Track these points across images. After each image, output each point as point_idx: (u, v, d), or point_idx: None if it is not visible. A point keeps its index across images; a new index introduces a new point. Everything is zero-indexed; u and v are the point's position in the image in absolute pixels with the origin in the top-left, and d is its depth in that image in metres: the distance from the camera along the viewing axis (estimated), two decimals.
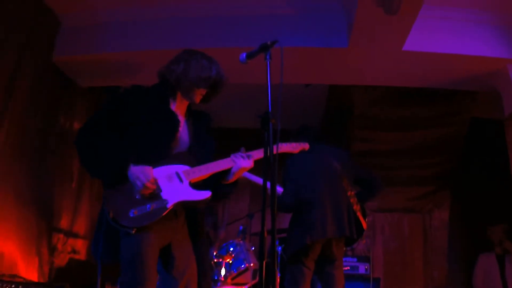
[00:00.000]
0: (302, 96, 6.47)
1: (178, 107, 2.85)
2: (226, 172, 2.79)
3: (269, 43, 2.49)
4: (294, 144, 3.04)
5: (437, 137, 6.45)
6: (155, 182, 2.54)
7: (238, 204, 7.56)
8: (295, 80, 5.79)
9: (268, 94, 2.38)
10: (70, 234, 5.70)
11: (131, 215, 2.45)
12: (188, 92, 2.80)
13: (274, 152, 2.34)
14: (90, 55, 5.41)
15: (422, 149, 6.58)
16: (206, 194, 2.64)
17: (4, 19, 4.56)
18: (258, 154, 2.84)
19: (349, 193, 4.09)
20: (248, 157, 2.78)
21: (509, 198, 5.72)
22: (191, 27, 5.18)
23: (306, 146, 3.08)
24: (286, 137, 3.10)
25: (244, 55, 2.59)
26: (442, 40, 5.00)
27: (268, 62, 2.46)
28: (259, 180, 3.79)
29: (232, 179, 2.81)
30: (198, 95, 2.83)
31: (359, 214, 4.13)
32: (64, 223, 5.63)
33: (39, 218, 5.14)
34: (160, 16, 5.26)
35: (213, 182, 2.79)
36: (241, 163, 2.73)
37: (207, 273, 3.16)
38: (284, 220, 6.67)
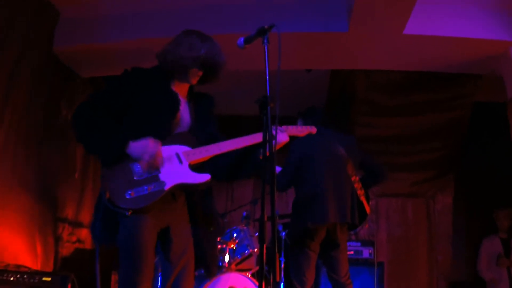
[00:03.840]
0: (303, 82, 6.45)
1: (178, 88, 2.80)
2: (252, 150, 2.74)
3: (266, 27, 2.47)
4: (300, 128, 2.98)
5: (440, 121, 6.42)
6: (160, 155, 2.51)
7: (241, 190, 7.57)
8: (296, 66, 5.77)
9: (266, 79, 2.37)
10: (75, 224, 5.74)
11: (127, 197, 2.41)
12: (181, 73, 2.75)
13: (274, 135, 2.33)
14: (90, 45, 5.41)
15: (425, 133, 6.56)
16: (205, 177, 2.60)
17: (4, 11, 4.55)
18: (292, 130, 2.85)
19: (353, 178, 4.09)
20: (281, 131, 2.75)
21: None
22: (190, 14, 5.16)
23: (313, 129, 3.02)
24: (289, 122, 3.01)
25: (242, 40, 2.57)
26: (443, 23, 4.96)
27: (266, 46, 2.45)
28: None
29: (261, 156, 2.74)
30: (193, 76, 2.77)
31: (363, 198, 4.14)
32: (68, 213, 5.67)
33: (44, 208, 5.19)
34: (159, 5, 5.24)
35: (238, 158, 2.77)
36: (281, 138, 2.69)
37: (210, 259, 3.12)
38: (287, 206, 6.73)
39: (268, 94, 2.35)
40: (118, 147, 2.48)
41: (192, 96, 2.91)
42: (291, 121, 3.19)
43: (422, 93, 6.25)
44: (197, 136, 2.74)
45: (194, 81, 2.80)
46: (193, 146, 2.66)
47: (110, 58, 5.63)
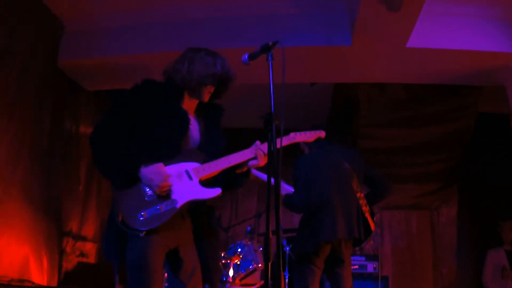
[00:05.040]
0: (307, 95, 6.47)
1: (188, 105, 2.78)
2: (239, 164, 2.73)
3: (270, 43, 2.47)
4: (308, 133, 2.95)
5: (444, 133, 6.43)
6: (168, 179, 2.50)
7: (245, 204, 7.56)
8: (300, 79, 5.79)
9: (270, 95, 2.37)
10: (78, 237, 5.73)
11: (140, 217, 2.42)
12: (195, 91, 2.75)
13: (278, 146, 2.35)
14: (95, 59, 5.45)
15: (429, 145, 6.56)
16: (216, 192, 2.59)
17: (11, 25, 4.59)
18: (301, 137, 2.87)
19: (358, 195, 4.08)
20: (265, 155, 2.72)
21: None
22: (194, 28, 5.19)
23: (322, 134, 2.99)
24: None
25: (246, 56, 2.57)
26: (446, 36, 4.97)
27: (270, 63, 2.44)
28: (264, 177, 3.76)
29: (245, 169, 2.76)
30: (206, 93, 2.77)
31: (367, 215, 4.12)
32: (72, 226, 5.66)
33: (48, 221, 5.18)
34: (163, 19, 5.27)
35: (224, 173, 2.72)
36: (262, 161, 2.68)
37: (213, 273, 3.10)
38: (292, 220, 6.71)
39: (272, 110, 2.35)
40: (130, 174, 2.49)
41: (201, 108, 2.88)
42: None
43: (425, 105, 6.26)
44: (207, 151, 2.73)
45: (206, 98, 2.81)
46: (202, 162, 2.65)
47: (114, 71, 5.66)
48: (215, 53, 2.79)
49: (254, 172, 3.79)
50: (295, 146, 4.36)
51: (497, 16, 5.04)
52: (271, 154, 2.33)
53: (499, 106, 5.74)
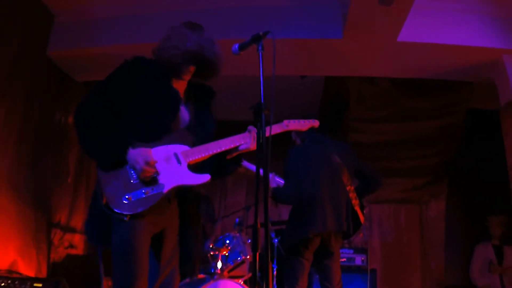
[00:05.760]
0: (298, 88, 6.46)
1: (177, 84, 2.70)
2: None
3: (261, 33, 2.47)
4: (302, 121, 2.92)
5: (434, 128, 6.45)
6: (154, 165, 2.41)
7: (234, 196, 7.56)
8: (290, 72, 5.78)
9: (260, 86, 2.36)
10: (67, 229, 5.70)
11: (125, 201, 2.33)
12: (172, 69, 2.66)
13: (268, 135, 2.31)
14: (85, 49, 5.41)
15: (419, 140, 6.58)
16: (204, 178, 2.51)
17: (1, 13, 4.54)
18: (294, 125, 2.83)
19: (348, 188, 4.09)
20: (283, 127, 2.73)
21: (506, 188, 5.72)
22: (185, 19, 5.12)
23: (316, 123, 2.96)
24: None
25: (237, 46, 2.56)
26: (437, 30, 4.99)
27: (260, 53, 2.44)
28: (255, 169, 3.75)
29: (235, 153, 2.70)
30: (186, 72, 2.69)
31: (357, 208, 4.14)
32: (61, 218, 5.63)
33: (37, 213, 5.15)
34: (153, 10, 5.24)
35: (214, 158, 2.65)
36: (253, 145, 2.61)
37: (195, 265, 3.00)
38: (280, 212, 6.73)
39: (262, 101, 2.34)
40: (117, 154, 2.40)
41: (191, 89, 2.81)
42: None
43: (416, 100, 6.27)
44: (196, 133, 2.66)
45: (186, 77, 2.72)
46: (192, 144, 2.58)
47: (105, 62, 5.56)
48: (196, 28, 2.72)
49: (245, 163, 3.80)
50: (288, 139, 4.39)
51: (488, 11, 5.07)
52: (260, 145, 2.30)
53: (489, 102, 5.76)
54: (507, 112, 5.14)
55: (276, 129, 2.75)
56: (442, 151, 6.66)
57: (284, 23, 5.05)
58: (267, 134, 2.34)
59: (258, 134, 2.33)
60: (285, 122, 2.84)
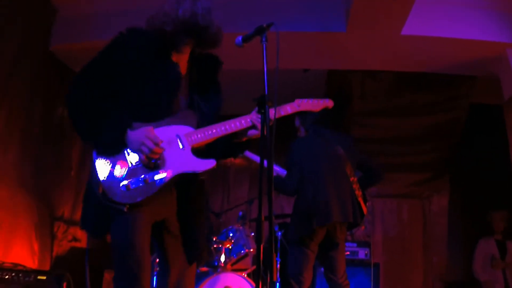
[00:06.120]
0: (300, 81, 6.44)
1: (178, 57, 2.47)
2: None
3: (265, 25, 2.43)
4: (316, 101, 2.67)
5: (436, 123, 6.43)
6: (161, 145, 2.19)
7: (237, 190, 7.56)
8: (293, 65, 5.76)
9: (264, 77, 2.34)
10: (70, 222, 5.72)
11: (123, 189, 2.11)
12: (166, 39, 2.40)
13: (274, 117, 2.27)
14: (87, 43, 5.38)
15: (421, 135, 6.56)
16: (210, 164, 2.30)
17: (2, 9, 4.54)
18: (307, 105, 2.60)
19: (351, 179, 4.10)
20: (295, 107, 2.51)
21: (509, 184, 5.72)
22: None
23: (330, 103, 2.73)
24: (285, 121, 2.80)
25: (240, 38, 2.52)
26: (441, 24, 4.97)
27: (264, 45, 2.40)
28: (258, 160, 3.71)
29: (244, 138, 2.50)
30: (182, 44, 2.44)
31: (360, 199, 4.15)
32: (64, 211, 5.66)
33: (40, 206, 5.18)
34: (155, 3, 5.21)
35: (220, 141, 2.44)
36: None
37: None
38: (282, 205, 6.73)
39: (266, 93, 2.32)
40: (115, 137, 2.18)
41: (194, 61, 2.56)
42: (287, 120, 2.96)
43: (418, 94, 6.26)
44: (199, 111, 2.46)
45: (185, 50, 2.47)
46: (195, 125, 2.37)
47: None
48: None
49: (247, 153, 3.78)
50: (289, 136, 4.38)
51: (492, 5, 5.04)
52: (263, 136, 2.23)
53: (492, 97, 5.75)
54: (511, 106, 5.13)
55: (287, 109, 2.57)
56: (444, 146, 6.63)
57: (288, 16, 5.03)
58: (277, 115, 2.22)
59: (262, 128, 2.22)
60: (297, 101, 2.61)
